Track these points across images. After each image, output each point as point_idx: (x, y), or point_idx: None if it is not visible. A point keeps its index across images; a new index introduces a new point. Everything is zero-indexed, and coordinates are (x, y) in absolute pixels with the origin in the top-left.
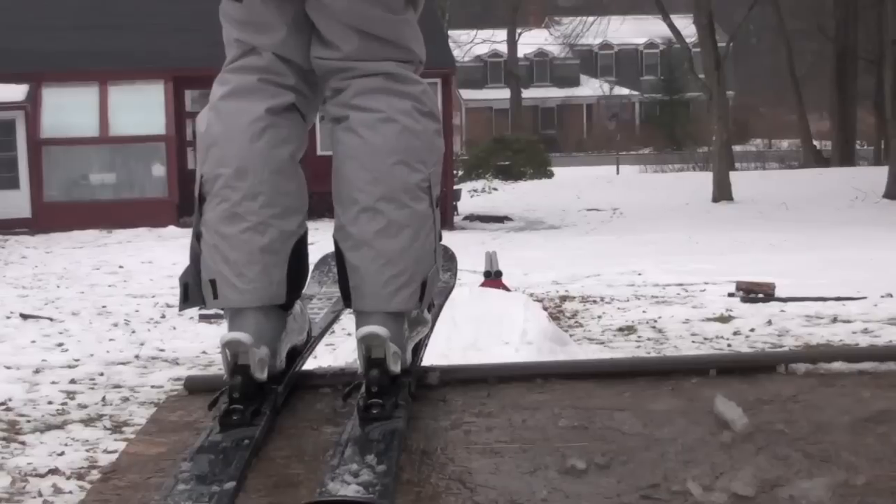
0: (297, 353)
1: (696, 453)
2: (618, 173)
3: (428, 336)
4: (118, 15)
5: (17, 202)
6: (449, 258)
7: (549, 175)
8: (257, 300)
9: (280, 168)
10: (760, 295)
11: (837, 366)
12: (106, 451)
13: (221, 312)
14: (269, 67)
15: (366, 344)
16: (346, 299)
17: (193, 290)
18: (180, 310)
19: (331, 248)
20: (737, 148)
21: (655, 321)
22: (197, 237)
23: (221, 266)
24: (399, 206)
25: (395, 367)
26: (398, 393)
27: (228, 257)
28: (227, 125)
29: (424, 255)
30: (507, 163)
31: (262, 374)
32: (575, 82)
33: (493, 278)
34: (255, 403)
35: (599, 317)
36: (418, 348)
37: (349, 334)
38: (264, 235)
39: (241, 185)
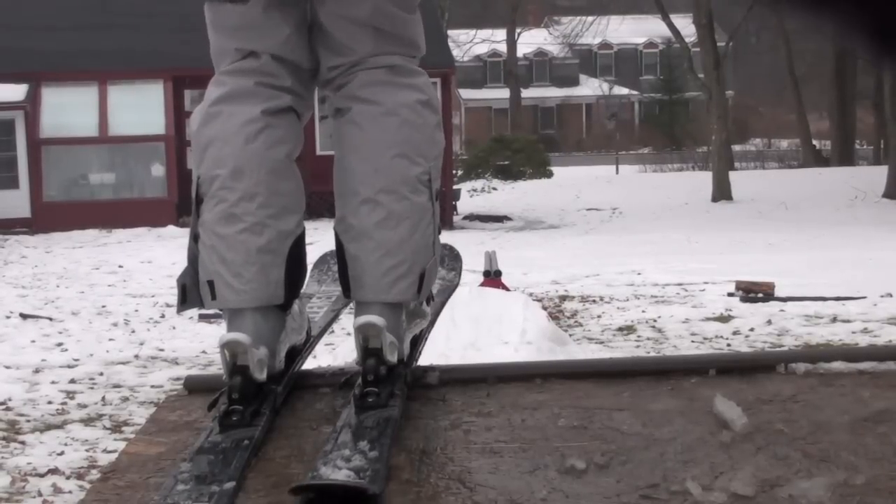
0: (297, 353)
1: (696, 453)
2: (617, 173)
3: (428, 330)
4: (118, 15)
5: (16, 202)
6: (454, 258)
7: (549, 175)
8: (255, 300)
9: (276, 168)
10: (760, 295)
11: (837, 365)
12: (105, 451)
13: (221, 313)
14: (266, 70)
15: (363, 333)
16: (346, 290)
17: (191, 291)
18: (178, 311)
19: (331, 248)
20: (736, 147)
21: (655, 321)
22: (194, 238)
23: (219, 266)
24: (399, 198)
25: (392, 357)
26: (394, 382)
27: (226, 258)
28: (223, 126)
29: (423, 246)
30: (506, 162)
31: (261, 375)
32: (574, 82)
33: (492, 278)
34: (254, 404)
35: (599, 316)
36: (417, 341)
37: (349, 334)
38: (261, 236)
39: (237, 185)
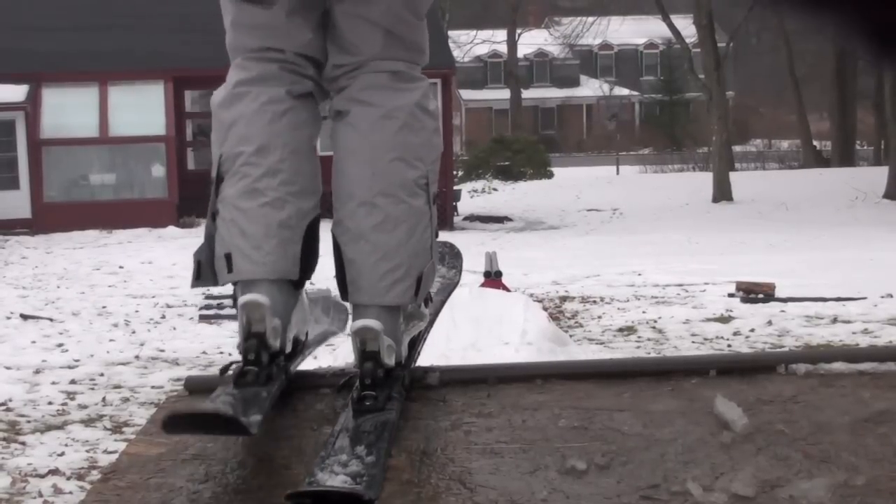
0: (297, 351)
1: (696, 454)
2: (618, 173)
3: (427, 331)
4: (118, 15)
5: (17, 202)
6: (455, 255)
7: (549, 175)
8: (272, 272)
9: (299, 149)
10: (760, 295)
11: (837, 366)
12: (106, 452)
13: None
14: (289, 60)
15: (360, 337)
16: (343, 293)
17: (206, 268)
18: (192, 286)
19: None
20: (737, 148)
21: (655, 321)
22: (212, 216)
23: (238, 240)
24: (396, 202)
25: (389, 361)
26: (392, 386)
27: (245, 231)
28: (249, 105)
29: (420, 250)
30: (506, 163)
31: (275, 342)
32: (575, 83)
33: (492, 278)
34: (267, 369)
35: (599, 317)
36: (416, 342)
37: (349, 335)
38: (282, 211)
39: (262, 161)
